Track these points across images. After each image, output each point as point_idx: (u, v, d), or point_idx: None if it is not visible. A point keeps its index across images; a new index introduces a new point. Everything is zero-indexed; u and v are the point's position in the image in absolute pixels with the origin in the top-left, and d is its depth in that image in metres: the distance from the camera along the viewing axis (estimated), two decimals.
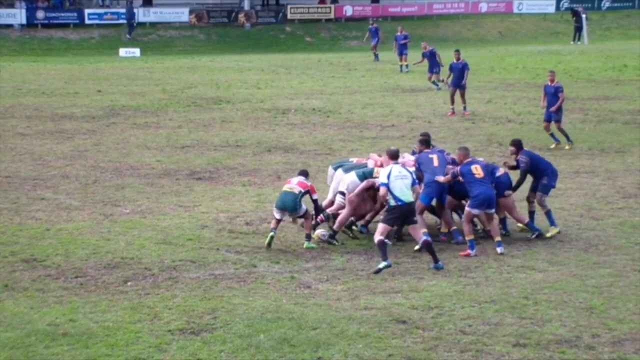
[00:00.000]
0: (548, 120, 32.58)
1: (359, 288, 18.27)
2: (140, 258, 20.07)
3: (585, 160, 29.74)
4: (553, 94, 32.90)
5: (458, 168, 20.92)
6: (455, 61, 39.16)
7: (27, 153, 31.74)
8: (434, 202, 21.68)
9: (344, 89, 45.92)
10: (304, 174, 21.95)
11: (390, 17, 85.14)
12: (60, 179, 27.94)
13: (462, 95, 38.81)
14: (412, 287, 18.31)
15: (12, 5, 78.82)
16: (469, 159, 21.07)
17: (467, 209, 20.89)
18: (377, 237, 19.26)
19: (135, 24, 76.96)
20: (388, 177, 19.29)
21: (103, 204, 24.92)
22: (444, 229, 21.75)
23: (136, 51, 68.40)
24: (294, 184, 21.29)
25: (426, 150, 21.67)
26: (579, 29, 74.35)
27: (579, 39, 73.63)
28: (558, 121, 32.52)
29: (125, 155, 31.19)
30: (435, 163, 21.15)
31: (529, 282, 18.63)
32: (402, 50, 55.06)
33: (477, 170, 20.67)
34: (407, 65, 54.20)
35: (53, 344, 15.38)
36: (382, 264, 19.00)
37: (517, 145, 22.74)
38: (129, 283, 18.52)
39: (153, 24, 79.49)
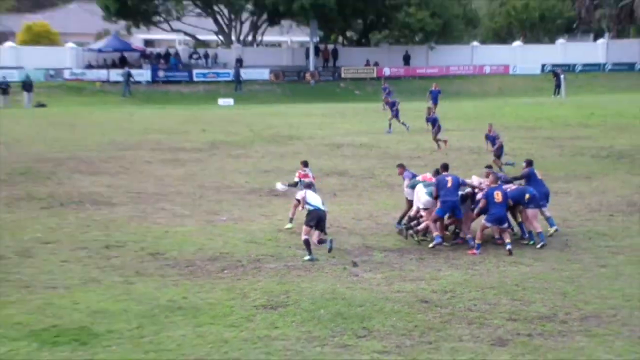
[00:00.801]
0: (498, 157, 33.37)
1: (393, 276, 18.38)
2: (233, 253, 20.28)
3: (562, 184, 29.61)
4: (492, 139, 34.69)
5: (485, 190, 21.09)
6: (488, 132, 36.28)
7: (151, 176, 32.07)
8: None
9: (381, 128, 45.98)
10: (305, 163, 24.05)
11: (418, 77, 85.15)
12: (176, 194, 28.22)
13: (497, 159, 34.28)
14: (433, 276, 18.41)
15: (141, 67, 79.67)
16: (495, 185, 21.24)
17: (482, 221, 21.06)
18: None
19: (242, 81, 77.57)
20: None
21: (207, 213, 25.18)
22: (462, 235, 21.75)
23: (230, 101, 68.74)
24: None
25: (444, 174, 21.76)
26: (558, 86, 73.81)
27: (558, 93, 73.06)
28: (499, 157, 33.26)
29: (222, 178, 31.45)
30: (449, 184, 21.14)
31: (519, 274, 18.70)
32: (435, 101, 54.74)
33: (498, 196, 20.74)
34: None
35: (171, 314, 15.60)
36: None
37: (528, 162, 23.39)
38: (225, 271, 18.72)
39: (243, 81, 79.90)
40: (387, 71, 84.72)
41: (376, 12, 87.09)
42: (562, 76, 73.91)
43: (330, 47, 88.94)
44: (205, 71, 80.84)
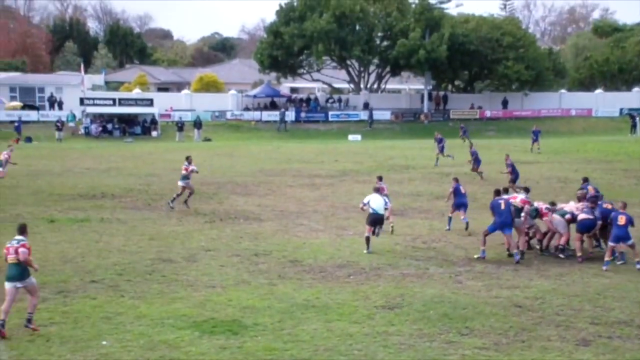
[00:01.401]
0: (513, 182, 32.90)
1: (492, 284, 17.90)
2: (358, 262, 20.10)
3: (637, 209, 28.40)
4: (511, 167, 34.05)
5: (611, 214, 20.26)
6: (506, 161, 34.85)
7: (292, 197, 32.20)
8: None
9: (483, 163, 45.07)
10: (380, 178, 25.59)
11: (514, 118, 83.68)
12: (312, 212, 28.26)
13: None
14: (526, 285, 17.85)
15: (286, 109, 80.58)
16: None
17: (609, 242, 19.96)
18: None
19: (373, 120, 77.73)
20: None
21: (337, 228, 25.09)
22: (513, 249, 20.91)
23: (358, 137, 68.78)
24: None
25: (497, 197, 21.12)
26: (634, 126, 71.53)
27: (634, 133, 70.70)
28: (514, 182, 32.85)
29: (350, 199, 31.26)
30: (502, 207, 20.64)
31: (600, 284, 17.92)
32: (536, 137, 53.96)
33: (622, 220, 19.66)
34: (538, 148, 52.91)
35: (306, 311, 15.51)
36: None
37: (585, 179, 24.70)
38: (351, 276, 18.55)
39: (371, 121, 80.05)
40: (488, 113, 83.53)
41: (480, 65, 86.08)
42: (637, 118, 71.60)
43: (441, 93, 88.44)
44: (339, 113, 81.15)
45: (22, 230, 14.72)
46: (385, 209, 21.89)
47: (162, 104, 74.60)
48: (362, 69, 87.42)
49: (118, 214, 27.39)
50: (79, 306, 15.66)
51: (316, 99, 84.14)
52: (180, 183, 28.77)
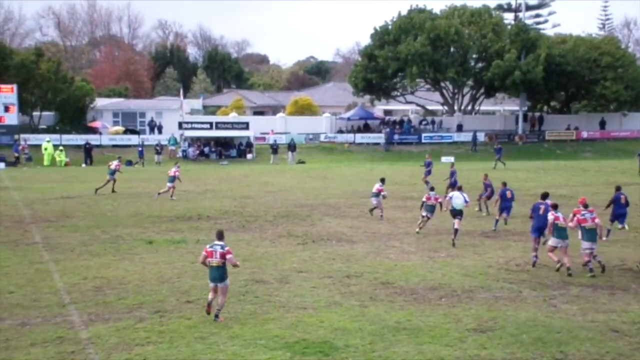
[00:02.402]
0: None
1: (588, 308, 17.41)
2: (450, 284, 19.87)
3: None
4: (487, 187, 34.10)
5: None
6: (484, 181, 34.46)
7: (385, 219, 32.05)
8: None
9: (580, 183, 44.15)
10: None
11: (612, 139, 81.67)
12: (404, 235, 28.10)
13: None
14: (623, 309, 17.29)
15: (380, 131, 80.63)
16: None
17: None
18: None
19: (477, 143, 77.99)
20: None
21: (429, 250, 24.88)
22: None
23: (452, 158, 68.18)
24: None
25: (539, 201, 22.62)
26: None
27: None
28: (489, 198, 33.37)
29: (442, 221, 30.44)
30: (541, 212, 22.03)
31: None
32: (499, 155, 56.46)
33: None
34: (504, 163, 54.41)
35: (397, 334, 15.38)
36: None
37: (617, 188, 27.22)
38: (443, 299, 18.33)
39: (462, 142, 79.37)
40: (584, 134, 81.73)
41: (577, 85, 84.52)
42: None
43: (537, 114, 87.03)
44: (432, 134, 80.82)
45: (221, 235, 16.94)
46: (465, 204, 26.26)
47: (258, 127, 75.75)
48: (456, 90, 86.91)
49: (214, 235, 27.72)
50: (175, 326, 15.95)
51: (409, 120, 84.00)
52: (374, 201, 31.70)
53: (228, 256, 16.42)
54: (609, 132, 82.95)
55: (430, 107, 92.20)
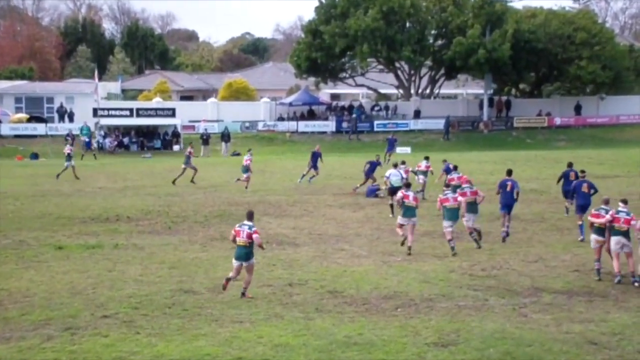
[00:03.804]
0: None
1: (562, 317, 17.65)
2: (407, 292, 19.98)
3: None
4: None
5: None
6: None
7: (332, 218, 32.18)
8: None
9: (553, 176, 44.54)
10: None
11: (589, 126, 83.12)
12: (354, 236, 28.21)
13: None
14: (602, 318, 17.57)
15: (326, 119, 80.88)
16: None
17: None
18: None
19: (449, 132, 78.65)
20: None
21: (382, 254, 24.99)
22: None
23: (408, 149, 68.57)
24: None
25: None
26: None
27: None
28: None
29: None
30: (508, 188, 26.83)
31: None
32: (391, 147, 56.93)
33: None
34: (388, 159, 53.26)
35: (347, 350, 15.42)
36: None
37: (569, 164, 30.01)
38: (399, 309, 18.43)
39: (420, 131, 79.88)
40: (558, 120, 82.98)
41: (548, 65, 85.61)
42: None
43: (504, 98, 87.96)
44: (385, 122, 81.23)
45: (251, 216, 19.92)
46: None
47: (186, 114, 75.27)
48: (412, 72, 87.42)
49: (134, 239, 27.59)
50: (89, 345, 15.75)
51: (360, 106, 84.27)
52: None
53: (254, 236, 19.23)
54: (584, 118, 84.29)
55: (383, 91, 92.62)
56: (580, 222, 27.40)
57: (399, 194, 25.78)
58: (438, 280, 21.21)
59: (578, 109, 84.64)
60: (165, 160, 59.39)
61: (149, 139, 72.23)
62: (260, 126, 78.33)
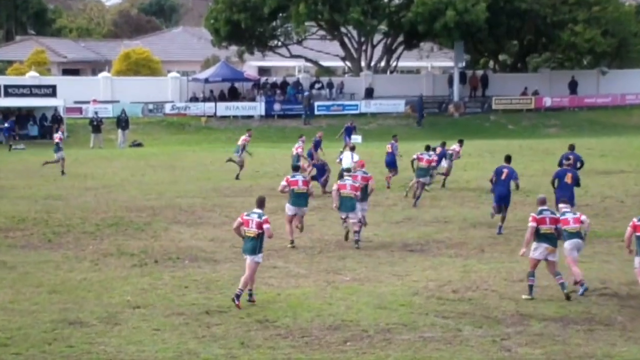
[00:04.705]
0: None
1: (555, 352, 17.79)
2: (358, 321, 19.99)
3: None
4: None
5: None
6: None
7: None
8: None
9: (542, 171, 45.08)
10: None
11: (586, 107, 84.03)
12: (290, 250, 28.17)
13: None
14: (605, 353, 17.75)
15: (253, 99, 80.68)
16: None
17: None
18: None
19: (423, 116, 79.43)
20: None
21: (326, 272, 24.97)
22: None
23: (358, 138, 68.72)
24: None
25: None
26: None
27: None
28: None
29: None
30: (504, 176, 29.73)
31: None
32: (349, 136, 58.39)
33: None
34: None
35: None
36: None
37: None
38: (348, 343, 18.43)
39: (373, 114, 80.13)
40: (548, 101, 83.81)
41: (535, 31, 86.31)
42: None
43: (479, 73, 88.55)
44: (329, 103, 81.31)
45: (262, 203, 21.36)
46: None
47: (71, 93, 74.39)
48: (362, 39, 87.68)
49: (3, 255, 27.24)
50: None
51: (297, 83, 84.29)
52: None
53: (265, 226, 20.68)
54: (581, 98, 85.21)
55: (326, 64, 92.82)
56: None
57: (335, 185, 28.78)
58: (398, 306, 21.23)
59: (573, 86, 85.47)
60: (44, 153, 58.66)
61: (22, 125, 71.32)
62: (167, 109, 77.89)
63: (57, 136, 48.48)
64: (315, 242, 29.43)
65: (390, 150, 42.82)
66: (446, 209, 36.01)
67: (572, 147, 34.59)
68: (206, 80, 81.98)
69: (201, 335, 18.93)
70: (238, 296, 20.61)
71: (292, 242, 28.44)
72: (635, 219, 21.71)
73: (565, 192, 29.33)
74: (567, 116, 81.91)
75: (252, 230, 20.87)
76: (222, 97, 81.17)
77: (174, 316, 20.41)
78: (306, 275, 24.59)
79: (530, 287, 21.97)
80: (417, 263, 25.93)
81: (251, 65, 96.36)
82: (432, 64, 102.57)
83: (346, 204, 28.18)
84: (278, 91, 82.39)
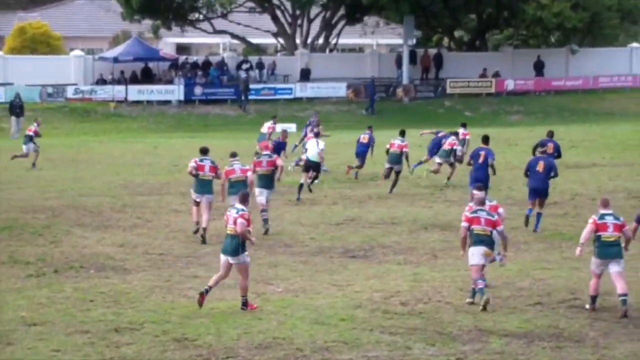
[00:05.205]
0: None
1: None
2: (292, 338, 19.97)
3: None
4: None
5: None
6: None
7: (181, 230, 31.96)
8: None
9: (504, 164, 45.33)
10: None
11: (554, 91, 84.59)
12: (213, 256, 27.89)
13: None
14: None
15: (170, 82, 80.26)
16: None
17: None
18: None
19: (375, 101, 79.96)
20: None
21: (255, 282, 24.83)
22: None
23: (292, 126, 68.77)
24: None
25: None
26: None
27: None
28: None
29: (278, 233, 31.28)
30: (481, 160, 32.21)
31: None
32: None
33: None
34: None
35: None
36: None
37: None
38: None
39: (310, 99, 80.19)
40: (510, 84, 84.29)
41: (496, 3, 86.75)
42: None
43: (432, 52, 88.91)
44: (259, 86, 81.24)
45: (244, 199, 22.26)
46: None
47: None
48: (297, 13, 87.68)
49: None
50: None
51: (221, 63, 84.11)
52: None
53: (239, 221, 21.37)
54: (549, 81, 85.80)
55: (255, 41, 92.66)
56: (530, 207, 30.90)
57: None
58: (338, 321, 21.23)
59: (539, 67, 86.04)
60: None
61: None
62: (70, 92, 77.42)
63: (31, 128, 48.70)
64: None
65: (365, 141, 43.50)
66: (394, 208, 36.05)
67: (550, 134, 36.60)
68: (115, 60, 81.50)
69: (109, 357, 18.82)
70: (244, 304, 21.84)
71: (197, 224, 30.27)
72: (595, 217, 22.15)
73: (537, 183, 30.47)
74: (532, 101, 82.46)
75: (230, 227, 21.69)
76: (134, 80, 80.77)
77: (76, 335, 20.25)
78: (232, 286, 24.43)
79: (476, 290, 22.45)
80: (360, 271, 25.97)
81: (168, 43, 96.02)
82: (378, 42, 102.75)
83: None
84: (199, 73, 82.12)
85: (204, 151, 31.02)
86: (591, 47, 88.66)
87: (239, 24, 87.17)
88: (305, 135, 48.23)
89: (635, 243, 23.01)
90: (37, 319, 21.32)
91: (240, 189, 27.64)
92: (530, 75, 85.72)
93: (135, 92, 78.35)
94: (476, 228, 22.41)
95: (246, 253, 21.78)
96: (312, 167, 38.13)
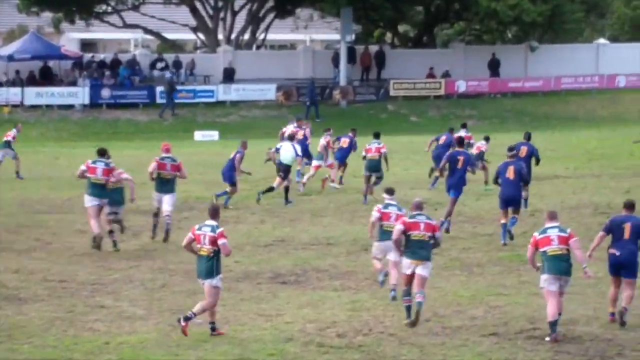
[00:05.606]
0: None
1: None
2: None
3: None
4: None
5: None
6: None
7: (86, 254, 31.77)
8: None
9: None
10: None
11: (511, 93, 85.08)
12: (123, 283, 27.95)
13: None
14: None
15: (74, 83, 79.86)
16: None
17: None
18: None
19: (317, 104, 79.93)
20: None
21: (171, 312, 24.78)
22: None
23: (214, 134, 68.86)
24: None
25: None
26: None
27: None
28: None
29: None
30: (460, 165, 32.46)
31: None
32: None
33: None
34: None
35: None
36: None
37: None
38: None
39: (234, 103, 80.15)
40: (462, 85, 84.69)
41: None
42: None
43: (373, 49, 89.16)
44: (177, 88, 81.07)
45: (215, 213, 22.52)
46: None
47: None
48: (219, 4, 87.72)
49: None
50: None
51: (132, 62, 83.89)
52: None
53: (220, 241, 21.65)
54: (505, 82, 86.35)
55: (171, 37, 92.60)
56: (503, 221, 31.58)
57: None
58: (265, 356, 21.23)
59: (494, 66, 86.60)
60: None
61: None
62: None
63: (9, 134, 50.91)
64: (157, 272, 29.24)
65: (346, 146, 45.17)
66: (330, 227, 36.08)
67: (527, 136, 37.73)
68: (10, 58, 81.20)
69: None
70: (213, 329, 22.32)
71: (94, 239, 31.48)
72: (536, 234, 22.70)
73: (508, 190, 31.31)
74: (486, 104, 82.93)
75: (205, 248, 21.86)
76: (31, 81, 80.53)
77: None
78: (144, 317, 24.43)
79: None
80: (291, 299, 25.97)
81: (71, 38, 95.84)
82: (312, 37, 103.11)
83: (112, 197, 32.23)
84: (107, 73, 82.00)
85: (102, 153, 32.69)
86: (552, 43, 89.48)
87: (152, 17, 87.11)
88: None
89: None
90: None
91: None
92: (485, 75, 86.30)
93: (33, 94, 78.12)
94: (414, 234, 23.05)
95: (220, 276, 22.13)
96: (283, 170, 39.92)
